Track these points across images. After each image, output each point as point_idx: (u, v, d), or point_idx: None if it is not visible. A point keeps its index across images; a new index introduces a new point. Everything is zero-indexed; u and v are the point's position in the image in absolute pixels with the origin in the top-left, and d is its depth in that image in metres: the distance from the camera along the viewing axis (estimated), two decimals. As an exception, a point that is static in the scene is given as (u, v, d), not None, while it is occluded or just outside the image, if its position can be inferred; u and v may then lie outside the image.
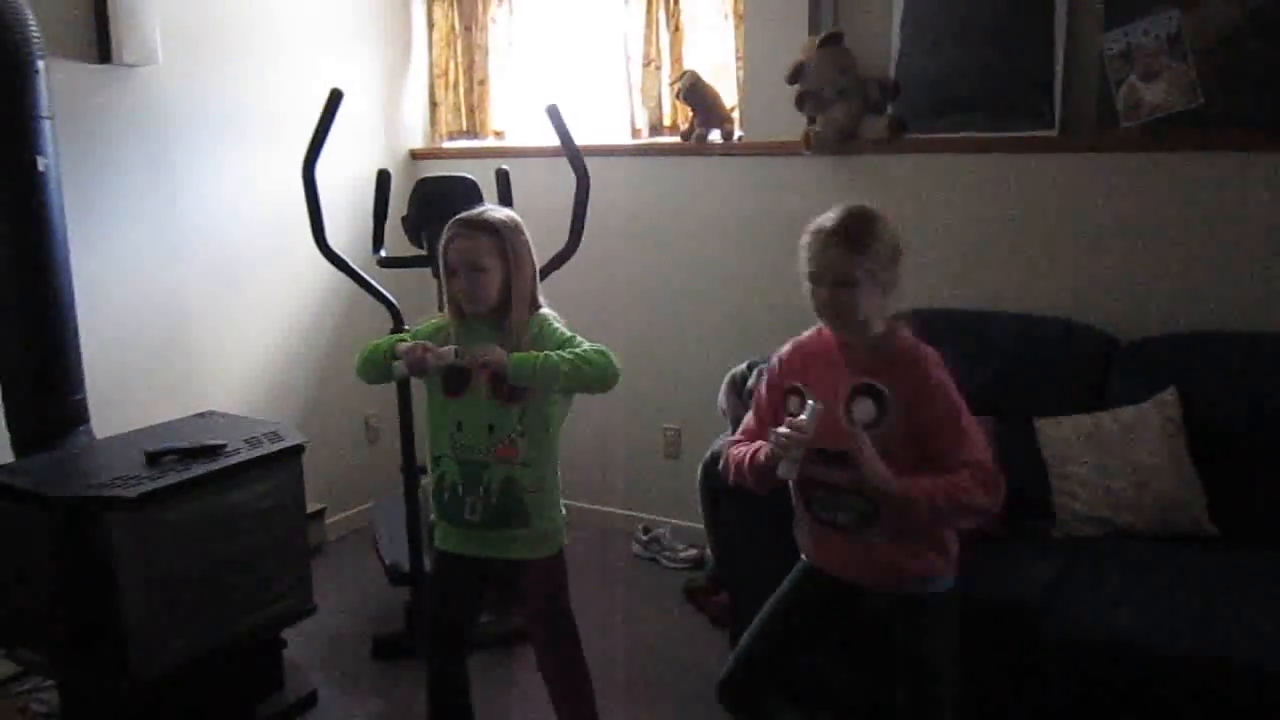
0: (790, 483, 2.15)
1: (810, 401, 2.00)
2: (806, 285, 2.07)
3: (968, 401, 2.07)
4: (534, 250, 2.33)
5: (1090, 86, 3.14)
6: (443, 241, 2.26)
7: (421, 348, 2.20)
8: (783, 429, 1.98)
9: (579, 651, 2.45)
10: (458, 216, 2.28)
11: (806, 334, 2.21)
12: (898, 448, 2.00)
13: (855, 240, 2.01)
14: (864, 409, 2.04)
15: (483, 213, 2.28)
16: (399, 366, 2.23)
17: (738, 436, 2.30)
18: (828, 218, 2.06)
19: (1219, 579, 2.46)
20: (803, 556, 2.28)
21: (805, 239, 2.07)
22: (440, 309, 2.42)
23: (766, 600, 2.31)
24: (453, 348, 2.22)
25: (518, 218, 2.32)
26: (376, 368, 2.32)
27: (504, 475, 2.26)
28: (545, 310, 2.34)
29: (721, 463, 2.30)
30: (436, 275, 3.03)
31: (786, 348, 2.23)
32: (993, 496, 1.97)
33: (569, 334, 2.28)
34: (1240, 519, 2.67)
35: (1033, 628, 2.39)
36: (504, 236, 2.24)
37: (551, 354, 2.18)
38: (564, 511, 2.42)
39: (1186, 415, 2.76)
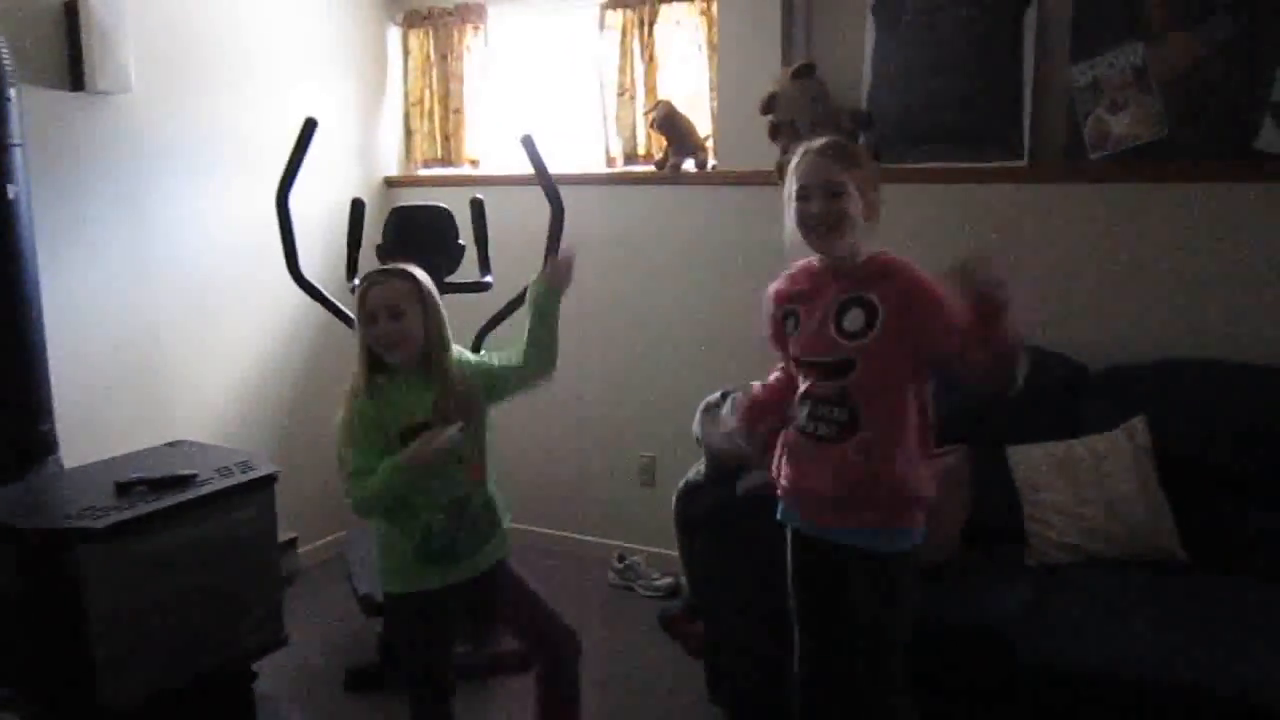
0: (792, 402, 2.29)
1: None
2: (791, 209, 2.18)
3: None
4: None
5: (1058, 118, 3.18)
6: (358, 294, 2.28)
7: (427, 452, 2.18)
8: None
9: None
10: (370, 270, 2.36)
11: (794, 266, 2.30)
12: (894, 349, 2.11)
13: (844, 154, 2.16)
14: (854, 318, 2.14)
15: (394, 265, 2.35)
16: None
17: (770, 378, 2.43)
18: (813, 141, 2.20)
19: (1190, 606, 2.48)
20: (787, 529, 2.35)
21: (793, 160, 2.20)
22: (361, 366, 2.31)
23: (743, 624, 2.37)
24: (458, 426, 2.22)
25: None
26: (392, 497, 2.25)
27: (483, 497, 2.34)
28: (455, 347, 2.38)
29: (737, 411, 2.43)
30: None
31: (777, 281, 2.33)
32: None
33: (482, 356, 2.42)
34: (1210, 546, 2.69)
35: (1005, 654, 2.40)
36: (419, 282, 2.28)
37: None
38: None
39: (1156, 443, 2.78)
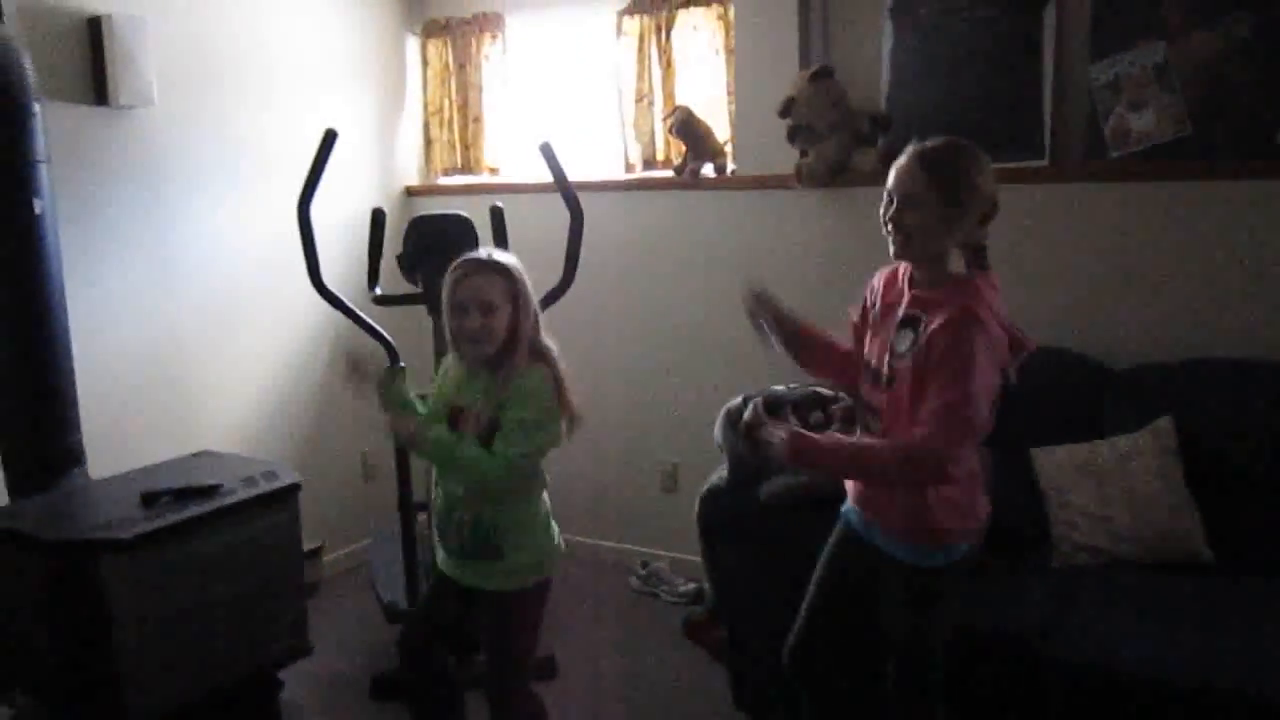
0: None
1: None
2: (883, 206, 2.07)
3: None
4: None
5: (1079, 117, 3.17)
6: (450, 279, 2.24)
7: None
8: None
9: (531, 703, 2.43)
10: (466, 256, 2.28)
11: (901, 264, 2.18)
12: (914, 382, 2.00)
13: (929, 161, 2.00)
14: (901, 338, 2.05)
15: (491, 254, 2.29)
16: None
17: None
18: (920, 142, 2.06)
19: (1217, 607, 2.46)
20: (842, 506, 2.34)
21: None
22: (441, 350, 2.41)
23: (767, 629, 2.35)
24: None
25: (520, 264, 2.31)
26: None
27: (473, 513, 2.28)
28: (544, 371, 2.26)
29: None
30: (432, 313, 3.03)
31: (878, 274, 2.23)
32: (910, 472, 1.98)
33: (532, 416, 2.23)
34: (1237, 547, 2.66)
35: (1032, 657, 2.39)
36: (515, 279, 2.24)
37: (461, 451, 2.21)
38: (559, 543, 2.44)
39: (1182, 443, 2.76)
